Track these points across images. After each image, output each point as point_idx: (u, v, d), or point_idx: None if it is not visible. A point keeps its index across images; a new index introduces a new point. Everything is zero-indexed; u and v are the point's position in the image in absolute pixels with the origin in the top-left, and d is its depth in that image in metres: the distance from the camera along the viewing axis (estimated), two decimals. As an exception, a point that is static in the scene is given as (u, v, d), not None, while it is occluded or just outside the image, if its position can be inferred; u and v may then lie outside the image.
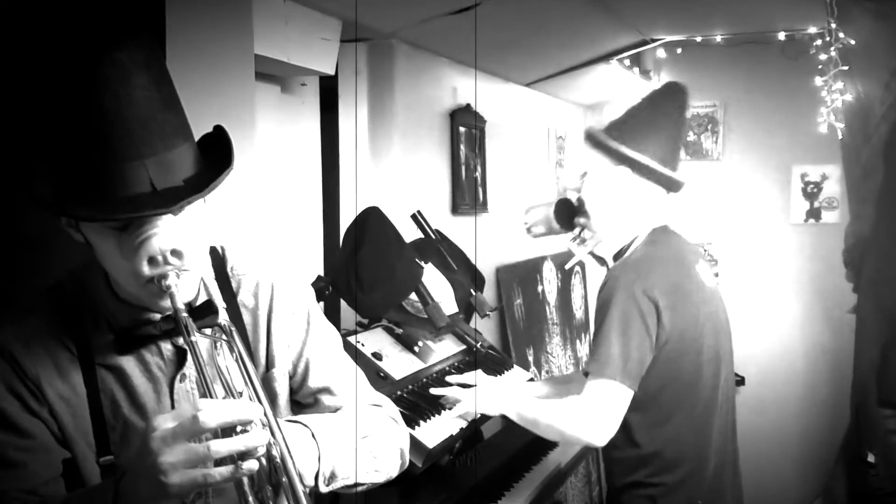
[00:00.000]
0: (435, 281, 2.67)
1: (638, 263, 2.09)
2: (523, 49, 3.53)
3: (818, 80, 3.57)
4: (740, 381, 4.78)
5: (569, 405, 2.05)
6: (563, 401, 2.09)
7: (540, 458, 2.79)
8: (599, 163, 2.19)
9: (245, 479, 1.08)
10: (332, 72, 2.56)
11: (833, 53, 3.31)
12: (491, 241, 3.60)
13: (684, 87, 2.25)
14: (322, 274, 2.76)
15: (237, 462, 1.06)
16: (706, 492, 2.12)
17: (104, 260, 1.21)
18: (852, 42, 3.19)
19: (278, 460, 1.11)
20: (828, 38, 3.42)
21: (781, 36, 3.97)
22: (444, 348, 2.72)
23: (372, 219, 2.49)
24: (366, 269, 2.42)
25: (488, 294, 3.11)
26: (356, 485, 1.34)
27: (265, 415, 1.11)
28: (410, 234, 2.73)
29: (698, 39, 4.11)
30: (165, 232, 1.15)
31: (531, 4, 2.93)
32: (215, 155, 1.22)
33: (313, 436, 1.25)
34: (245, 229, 2.07)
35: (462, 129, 3.42)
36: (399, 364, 2.44)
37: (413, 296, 2.54)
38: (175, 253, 1.16)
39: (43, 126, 1.15)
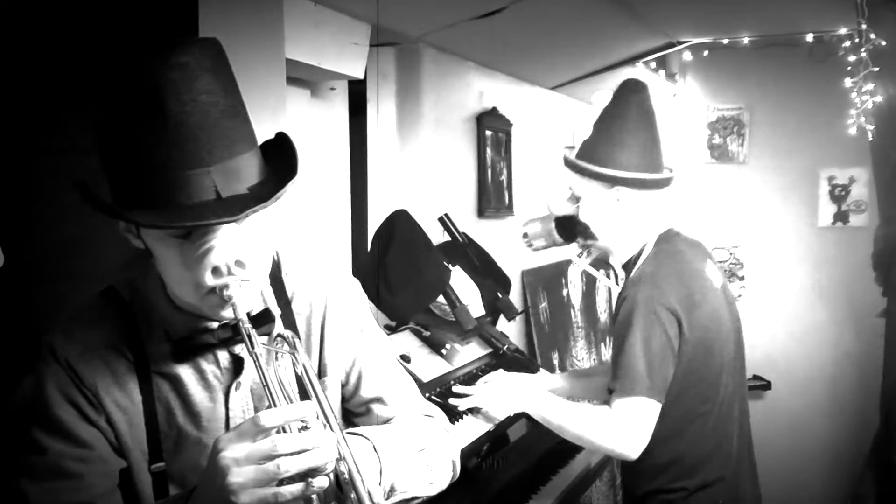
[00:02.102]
0: (462, 284, 2.68)
1: (654, 277, 2.07)
2: (549, 52, 3.53)
3: (847, 82, 3.54)
4: (766, 385, 4.75)
5: (599, 417, 2.05)
6: (592, 410, 2.08)
7: (566, 462, 2.80)
8: (591, 187, 2.17)
9: (314, 497, 1.06)
10: (361, 76, 2.58)
11: (863, 55, 3.28)
12: (516, 245, 3.60)
13: (639, 81, 2.21)
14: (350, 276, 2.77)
15: (307, 480, 1.04)
16: (727, 495, 2.12)
17: (164, 268, 1.19)
18: (883, 43, 3.16)
19: (346, 476, 1.08)
20: (857, 40, 3.39)
21: (809, 38, 3.95)
22: (471, 351, 2.72)
23: (400, 222, 2.50)
24: (394, 272, 2.43)
25: (514, 297, 3.10)
26: (412, 498, 1.31)
27: (331, 425, 1.09)
28: (438, 237, 2.74)
29: (725, 42, 4.10)
30: (229, 241, 1.13)
31: (557, 8, 2.94)
32: (279, 162, 1.19)
33: (375, 449, 1.22)
34: (279, 232, 2.08)
35: (488, 132, 3.42)
36: (427, 366, 2.45)
37: (441, 298, 2.55)
38: (238, 263, 1.14)
39: (105, 128, 1.12)
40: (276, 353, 1.19)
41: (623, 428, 2.00)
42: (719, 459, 2.12)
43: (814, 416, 4.75)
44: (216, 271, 1.12)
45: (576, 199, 2.22)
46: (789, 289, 4.79)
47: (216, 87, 1.10)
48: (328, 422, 1.11)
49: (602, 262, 2.39)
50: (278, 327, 1.22)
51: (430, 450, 1.37)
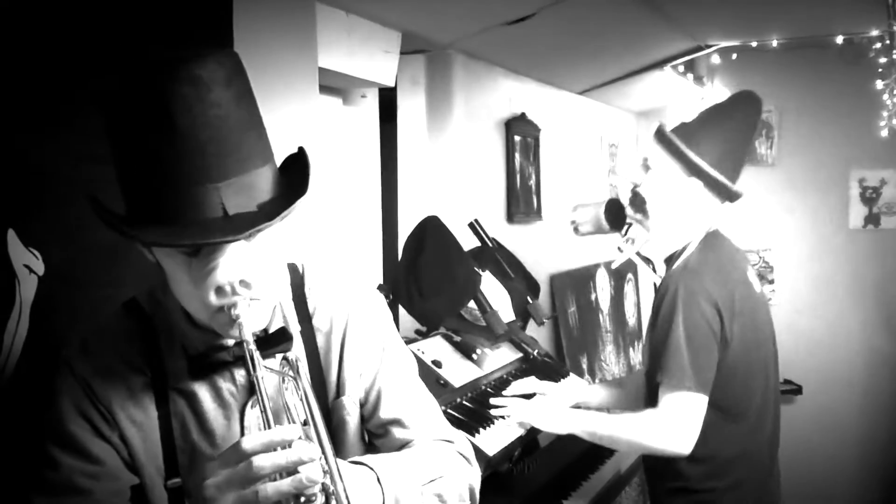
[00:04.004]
0: (492, 289, 2.69)
1: (698, 271, 2.07)
2: (577, 57, 3.53)
3: (878, 84, 3.52)
4: (798, 389, 4.71)
5: (647, 419, 2.05)
6: (639, 415, 2.08)
7: (597, 467, 2.79)
8: (668, 165, 2.14)
9: None
10: (392, 83, 2.60)
11: (895, 56, 3.26)
12: (545, 249, 3.61)
13: (758, 97, 2.21)
14: (381, 282, 2.79)
15: None
16: (755, 498, 2.12)
17: (173, 285, 1.17)
18: (915, 45, 3.14)
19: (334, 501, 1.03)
20: (888, 41, 3.37)
21: (840, 39, 3.92)
22: (502, 356, 2.73)
23: (431, 227, 2.52)
24: (425, 278, 2.44)
25: (542, 301, 3.11)
26: None
27: (326, 455, 1.05)
28: (468, 242, 2.76)
29: (754, 44, 4.08)
30: (235, 260, 1.09)
31: (585, 13, 2.94)
32: (293, 178, 1.16)
33: (378, 480, 1.17)
34: (308, 240, 2.11)
35: (517, 137, 3.44)
36: (458, 371, 2.46)
37: (472, 304, 2.56)
38: (244, 283, 1.10)
39: (115, 141, 1.09)
40: (284, 377, 1.17)
41: (674, 424, 2.00)
42: (751, 461, 2.12)
43: (846, 421, 4.70)
44: (220, 291, 1.10)
45: (646, 169, 2.19)
46: (820, 292, 4.76)
47: (229, 102, 1.07)
48: (323, 450, 1.05)
49: (642, 258, 2.40)
50: (295, 346, 1.20)
51: (444, 479, 1.30)
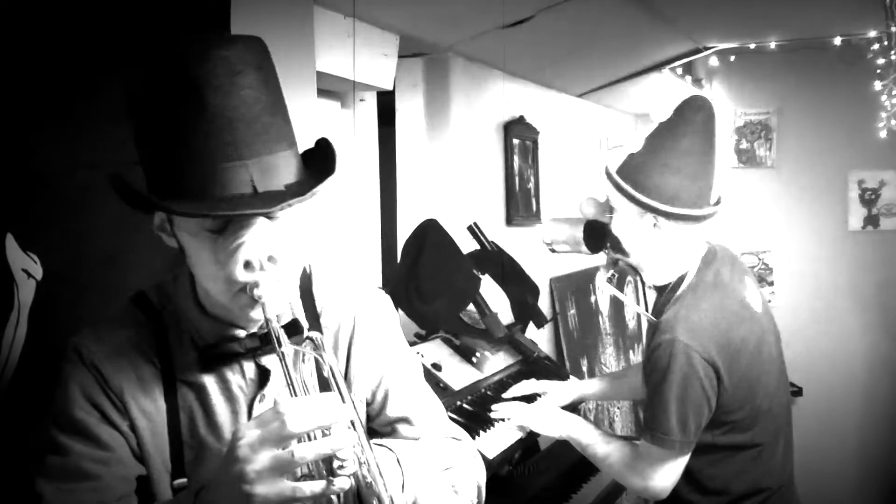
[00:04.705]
0: (492, 292, 2.69)
1: (691, 325, 1.93)
2: (576, 60, 3.54)
3: (877, 85, 3.52)
4: (797, 391, 4.70)
5: (630, 457, 2.05)
6: (624, 450, 2.07)
7: (597, 470, 2.78)
8: (628, 208, 2.01)
9: (334, 498, 1.04)
10: (390, 87, 2.60)
11: (893, 57, 3.26)
12: (544, 252, 3.61)
13: (704, 100, 2.02)
14: (381, 285, 2.79)
15: (328, 478, 1.01)
16: None
17: (196, 265, 1.17)
18: (913, 45, 3.14)
19: (369, 479, 1.06)
20: (887, 42, 3.37)
21: (838, 41, 3.92)
22: (501, 359, 2.73)
23: (430, 231, 2.52)
24: (424, 281, 2.44)
25: (542, 305, 3.11)
26: None
27: (355, 426, 1.06)
28: (467, 245, 2.76)
29: (752, 46, 4.08)
30: (263, 237, 1.10)
31: (583, 15, 2.94)
32: (317, 164, 1.18)
33: (398, 461, 1.19)
34: (306, 243, 2.10)
35: (516, 140, 3.44)
36: (457, 375, 2.46)
37: (471, 307, 2.56)
38: (271, 259, 1.11)
39: (143, 119, 1.11)
40: (303, 354, 1.18)
41: (651, 474, 2.00)
42: (768, 485, 2.09)
43: (846, 423, 4.70)
44: (248, 265, 1.10)
45: (611, 210, 2.07)
46: (819, 294, 4.75)
47: (258, 84, 1.09)
48: (353, 425, 1.07)
49: (631, 269, 2.31)
50: (314, 334, 1.19)
51: (456, 470, 1.34)
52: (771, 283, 4.83)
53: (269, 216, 1.11)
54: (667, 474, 2.00)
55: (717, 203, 2.06)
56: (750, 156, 4.86)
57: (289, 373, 1.08)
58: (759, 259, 4.84)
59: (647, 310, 2.25)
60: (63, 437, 1.21)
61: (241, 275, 1.11)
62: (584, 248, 2.23)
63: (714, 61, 4.32)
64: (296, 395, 1.08)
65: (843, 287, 4.72)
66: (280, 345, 1.10)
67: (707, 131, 2.00)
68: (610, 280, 2.25)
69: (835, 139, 4.64)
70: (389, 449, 1.20)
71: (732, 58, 4.37)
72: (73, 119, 1.57)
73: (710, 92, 4.79)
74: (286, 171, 1.12)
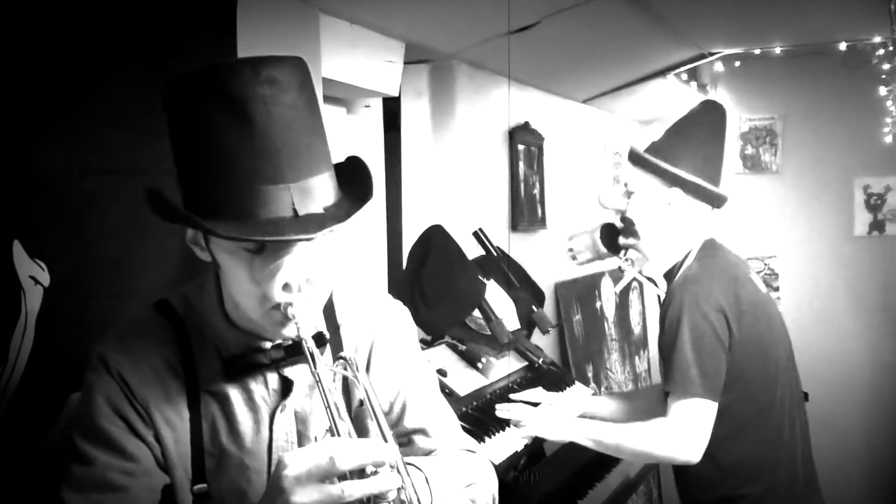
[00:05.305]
0: (497, 297, 2.69)
1: (698, 278, 2.09)
2: (580, 66, 3.54)
3: (882, 90, 3.52)
4: (804, 396, 4.68)
5: (656, 427, 2.04)
6: (646, 424, 2.07)
7: (603, 475, 2.78)
8: (648, 184, 2.18)
9: None
10: (395, 93, 2.61)
11: (898, 63, 3.26)
12: (550, 258, 3.61)
13: (721, 105, 2.26)
14: (386, 292, 2.79)
15: None
16: (794, 501, 2.11)
17: (231, 281, 1.18)
18: (918, 51, 3.14)
19: (405, 501, 1.07)
20: (892, 48, 3.37)
21: (843, 46, 3.92)
22: (507, 365, 2.73)
23: (436, 237, 2.52)
24: (430, 286, 2.45)
25: (547, 310, 3.11)
26: None
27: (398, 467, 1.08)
28: (472, 251, 2.76)
29: (757, 52, 4.08)
30: (301, 259, 1.12)
31: (588, 22, 2.95)
32: (352, 184, 1.19)
33: (427, 481, 1.20)
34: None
35: (521, 146, 3.44)
36: (463, 380, 2.46)
37: (476, 312, 2.56)
38: (309, 281, 1.13)
39: (185, 137, 1.12)
40: (334, 374, 1.19)
41: (682, 432, 1.99)
42: (783, 464, 2.11)
43: (853, 427, 4.68)
44: (287, 287, 1.12)
45: (629, 195, 2.22)
46: (825, 299, 4.74)
47: (303, 105, 1.10)
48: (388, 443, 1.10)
49: (645, 277, 2.40)
50: (327, 355, 1.21)
51: (476, 486, 1.35)
52: (776, 289, 4.82)
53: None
54: (696, 430, 1.98)
55: (725, 195, 2.21)
56: (755, 161, 4.85)
57: (326, 397, 1.10)
58: (765, 264, 4.83)
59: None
60: (88, 446, 1.21)
61: (279, 295, 1.13)
62: (601, 248, 2.38)
63: (719, 67, 4.33)
64: (333, 421, 1.10)
65: (849, 292, 4.71)
66: (315, 366, 1.12)
67: (720, 128, 2.23)
68: (625, 262, 2.42)
69: (840, 144, 4.63)
70: (418, 468, 1.21)
71: (737, 63, 4.37)
72: (79, 124, 1.58)
73: (715, 97, 4.79)
74: (325, 192, 1.13)
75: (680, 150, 2.16)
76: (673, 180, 2.14)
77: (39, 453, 1.51)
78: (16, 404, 1.48)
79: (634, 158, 2.20)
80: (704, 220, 2.20)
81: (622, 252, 2.36)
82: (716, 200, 2.19)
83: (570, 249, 2.46)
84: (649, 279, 2.39)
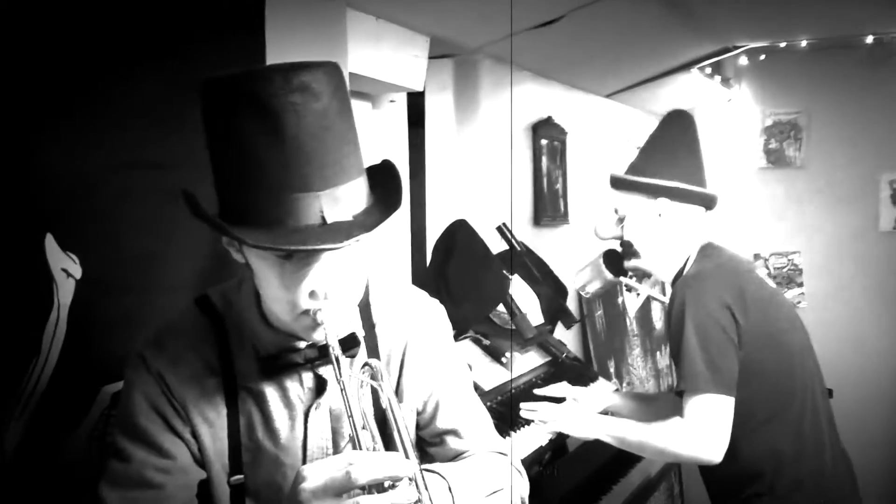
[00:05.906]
0: (521, 293, 2.69)
1: (698, 276, 2.11)
2: (604, 60, 3.53)
3: (910, 85, 3.48)
4: (828, 393, 4.65)
5: (675, 426, 2.03)
6: (667, 423, 2.06)
7: (626, 471, 2.78)
8: (635, 203, 2.24)
9: None
10: (420, 88, 2.61)
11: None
12: (572, 253, 3.60)
13: (686, 111, 2.34)
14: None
15: None
16: (826, 496, 2.10)
17: (262, 285, 1.19)
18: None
19: None
20: (920, 41, 3.33)
21: (869, 39, 3.88)
22: (531, 359, 2.73)
23: (460, 232, 2.52)
24: (455, 282, 2.45)
25: (570, 306, 3.10)
26: None
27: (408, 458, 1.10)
28: (496, 245, 2.76)
29: (782, 45, 4.05)
30: (328, 267, 1.13)
31: (612, 16, 2.93)
32: (383, 190, 1.19)
33: (450, 489, 1.21)
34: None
35: (544, 141, 3.43)
36: (487, 375, 2.47)
37: (500, 307, 2.56)
38: (337, 288, 1.14)
39: (219, 143, 1.12)
40: (361, 381, 1.19)
41: (700, 430, 1.98)
42: (807, 457, 2.09)
43: (877, 425, 4.64)
44: (313, 294, 1.13)
45: (621, 221, 2.28)
46: (850, 295, 4.69)
47: (334, 113, 1.09)
48: (407, 456, 1.11)
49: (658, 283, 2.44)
50: (362, 353, 1.22)
51: (505, 492, 1.35)
52: (800, 284, 4.78)
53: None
54: (714, 429, 1.97)
55: (713, 194, 2.25)
56: (779, 156, 4.81)
57: (349, 405, 1.11)
58: (789, 260, 4.79)
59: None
60: (126, 442, 1.24)
61: (306, 302, 1.14)
62: (608, 275, 2.51)
63: (743, 60, 4.29)
64: (354, 428, 1.10)
65: (874, 288, 4.66)
66: (341, 373, 1.12)
67: (691, 135, 2.27)
68: (629, 285, 2.54)
69: (865, 139, 4.58)
70: (441, 476, 1.21)
71: (762, 57, 4.33)
72: (112, 119, 1.59)
73: (739, 91, 4.76)
74: (355, 199, 1.13)
75: (655, 162, 2.22)
76: (655, 191, 2.20)
77: (71, 445, 1.53)
78: (48, 396, 1.50)
79: (616, 183, 2.27)
80: (700, 223, 2.24)
81: (629, 272, 2.43)
82: (704, 201, 2.22)
83: (580, 286, 2.60)
84: (656, 299, 2.46)
